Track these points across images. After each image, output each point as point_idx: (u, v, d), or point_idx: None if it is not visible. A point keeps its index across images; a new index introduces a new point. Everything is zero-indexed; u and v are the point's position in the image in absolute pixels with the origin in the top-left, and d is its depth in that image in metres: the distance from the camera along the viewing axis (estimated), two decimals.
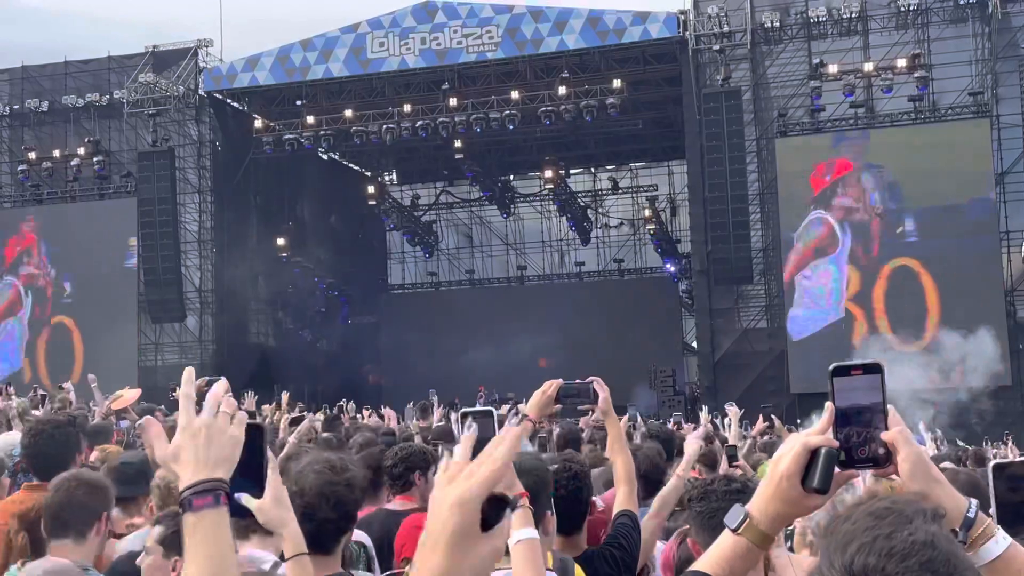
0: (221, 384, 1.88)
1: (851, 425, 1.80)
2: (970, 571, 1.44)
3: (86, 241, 31.47)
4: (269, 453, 2.08)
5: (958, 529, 1.75)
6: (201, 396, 1.87)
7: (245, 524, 2.87)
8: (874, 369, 1.82)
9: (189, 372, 1.88)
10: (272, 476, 2.42)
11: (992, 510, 1.95)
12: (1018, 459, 2.00)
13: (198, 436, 1.80)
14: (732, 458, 6.66)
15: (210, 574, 1.74)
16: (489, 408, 2.89)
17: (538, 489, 2.89)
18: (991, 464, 2.00)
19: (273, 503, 2.47)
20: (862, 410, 1.80)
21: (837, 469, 1.79)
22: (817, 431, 1.81)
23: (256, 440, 1.94)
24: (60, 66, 32.97)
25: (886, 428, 1.80)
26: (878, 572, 1.42)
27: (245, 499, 1.97)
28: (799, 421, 18.66)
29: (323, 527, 3.07)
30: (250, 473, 1.91)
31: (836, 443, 1.79)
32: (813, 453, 1.79)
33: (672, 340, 35.82)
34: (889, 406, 1.81)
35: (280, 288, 34.35)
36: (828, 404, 1.82)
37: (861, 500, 1.56)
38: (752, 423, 10.68)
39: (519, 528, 2.73)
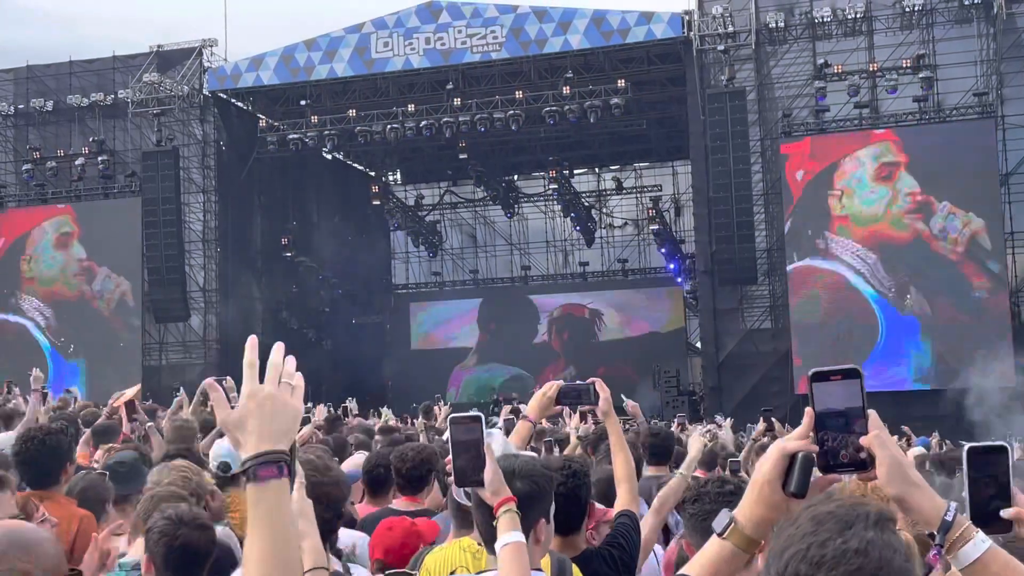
0: (279, 351, 1.90)
1: (832, 430, 1.81)
2: None
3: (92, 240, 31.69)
4: (298, 467, 2.09)
5: (936, 532, 1.76)
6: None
7: None
8: (853, 374, 1.82)
9: (253, 340, 1.90)
10: (298, 490, 2.42)
11: (965, 493, 1.95)
12: (991, 443, 1.99)
13: (264, 406, 1.83)
14: (735, 472, 6.58)
15: (273, 543, 1.77)
16: (478, 414, 2.88)
17: (532, 495, 2.88)
18: (965, 448, 2.00)
19: (297, 516, 2.46)
20: (842, 415, 1.81)
21: (819, 473, 1.81)
22: (796, 436, 1.83)
23: None
24: (65, 66, 33.02)
25: (867, 432, 1.80)
26: None
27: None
28: None
29: (320, 528, 3.06)
30: None
31: (814, 448, 1.80)
32: (792, 458, 1.81)
33: (676, 341, 35.85)
34: (870, 410, 1.82)
35: (284, 288, 34.40)
36: (808, 409, 1.83)
37: (811, 503, 1.57)
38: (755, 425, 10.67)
39: (506, 532, 2.73)
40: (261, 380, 1.87)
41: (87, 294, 31.81)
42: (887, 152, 26.93)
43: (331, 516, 3.14)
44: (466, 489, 3.14)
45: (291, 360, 1.91)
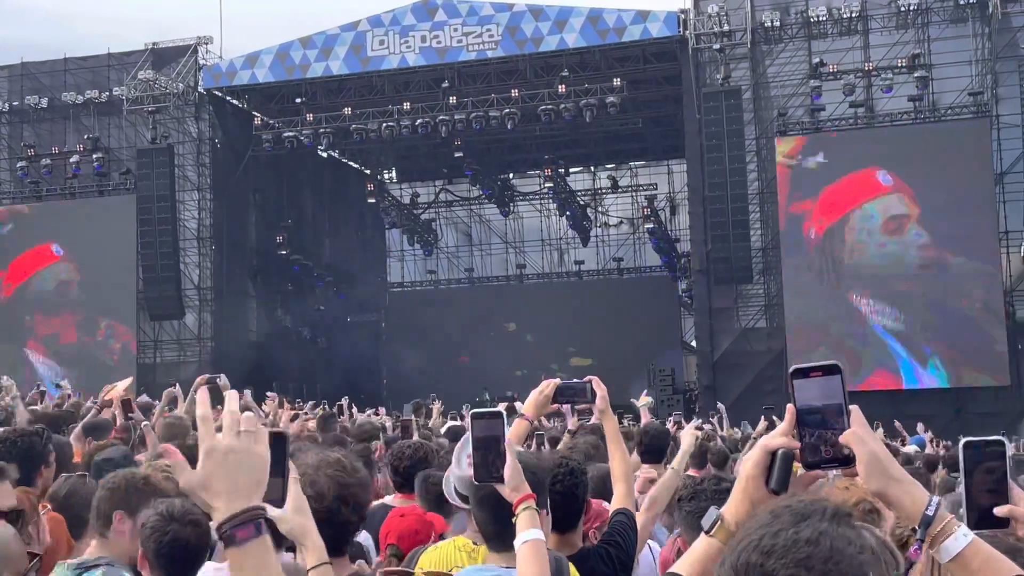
0: (234, 400, 1.79)
1: (812, 426, 1.82)
2: (857, 570, 1.44)
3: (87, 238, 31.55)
4: (290, 463, 2.05)
5: (917, 527, 1.76)
6: (212, 392, 1.81)
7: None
8: (833, 370, 1.83)
9: (203, 394, 1.78)
10: (293, 486, 2.39)
11: (961, 488, 1.94)
12: (988, 437, 1.98)
13: (228, 461, 1.72)
14: (720, 465, 6.56)
15: None
16: (499, 410, 2.87)
17: (532, 488, 2.88)
18: (961, 441, 1.99)
19: (294, 513, 2.44)
20: (823, 411, 1.82)
21: (802, 470, 1.81)
22: (778, 433, 1.84)
23: (279, 449, 1.89)
24: (60, 63, 32.93)
25: (848, 428, 1.80)
26: (757, 568, 1.44)
27: (267, 509, 1.95)
28: None
29: (343, 530, 3.02)
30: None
31: (796, 444, 1.81)
32: (774, 455, 1.81)
33: (671, 339, 35.85)
34: (852, 406, 1.82)
35: (279, 286, 34.36)
36: (789, 406, 1.83)
37: (774, 501, 1.58)
38: (754, 424, 10.65)
39: (525, 529, 2.73)
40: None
41: (90, 345, 31.32)
42: (898, 204, 26.56)
43: (356, 519, 3.11)
44: (460, 492, 3.13)
45: (249, 410, 1.79)
